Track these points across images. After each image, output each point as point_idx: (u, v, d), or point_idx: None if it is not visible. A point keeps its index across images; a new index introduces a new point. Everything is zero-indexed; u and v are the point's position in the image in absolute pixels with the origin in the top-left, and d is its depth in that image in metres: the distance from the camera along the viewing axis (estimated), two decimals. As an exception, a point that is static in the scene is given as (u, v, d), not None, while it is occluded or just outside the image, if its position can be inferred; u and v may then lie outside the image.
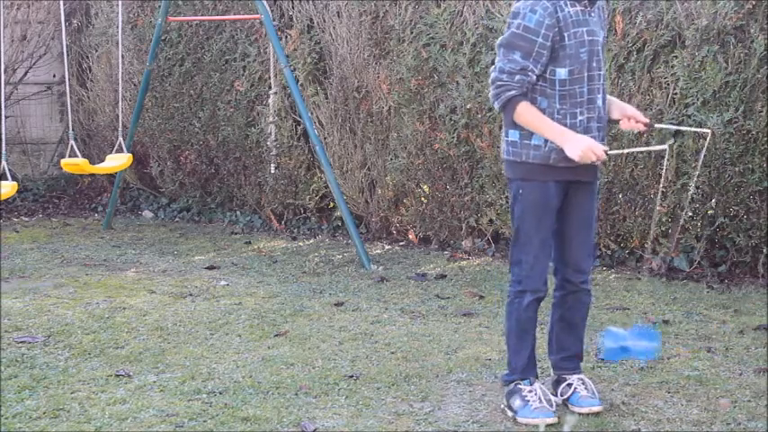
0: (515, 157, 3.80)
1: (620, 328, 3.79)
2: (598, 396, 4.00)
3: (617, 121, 3.93)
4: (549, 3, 3.66)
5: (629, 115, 3.88)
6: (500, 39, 3.73)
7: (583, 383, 3.99)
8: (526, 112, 3.69)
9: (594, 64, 3.76)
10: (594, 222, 4.01)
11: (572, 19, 3.69)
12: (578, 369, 4.06)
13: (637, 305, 5.57)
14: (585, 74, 3.73)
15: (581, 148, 3.64)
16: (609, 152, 3.77)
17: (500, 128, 6.61)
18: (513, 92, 3.67)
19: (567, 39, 3.68)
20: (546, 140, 3.72)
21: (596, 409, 3.93)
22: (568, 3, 3.70)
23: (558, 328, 4.02)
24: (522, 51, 3.65)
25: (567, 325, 4.01)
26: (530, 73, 3.66)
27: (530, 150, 3.76)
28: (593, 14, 3.77)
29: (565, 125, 3.71)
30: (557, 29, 3.66)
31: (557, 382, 4.04)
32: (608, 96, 3.91)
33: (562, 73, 3.70)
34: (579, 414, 3.90)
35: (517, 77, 3.66)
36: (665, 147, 3.93)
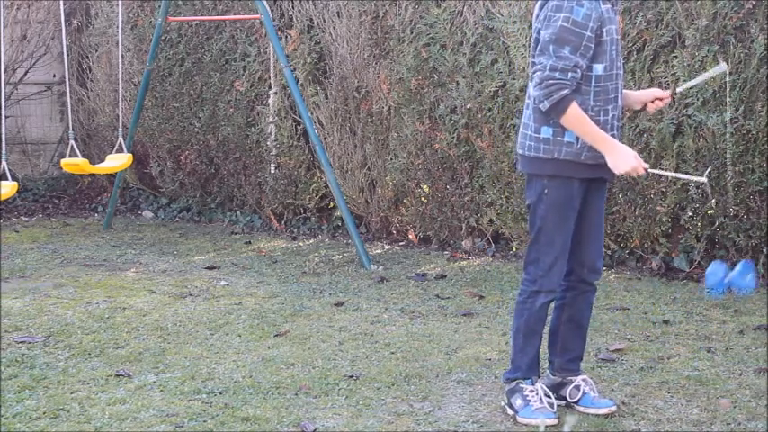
0: (546, 154, 3.74)
1: (723, 264, 3.75)
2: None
3: (641, 110, 3.97)
4: None
5: (653, 99, 3.93)
6: (546, 35, 3.63)
7: (588, 384, 3.99)
8: (577, 114, 3.62)
9: (618, 62, 3.77)
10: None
11: (605, 16, 3.68)
12: (580, 370, 4.05)
13: (637, 305, 5.57)
14: (615, 71, 3.74)
15: (630, 164, 3.62)
16: (649, 170, 3.72)
17: (500, 128, 6.62)
18: (566, 90, 3.60)
19: (604, 35, 3.66)
20: (578, 137, 3.69)
21: (614, 409, 3.93)
22: (602, 1, 3.69)
23: (566, 330, 3.99)
24: (571, 46, 3.59)
25: (576, 326, 3.99)
26: (578, 69, 3.61)
27: (562, 147, 3.72)
28: (616, 12, 3.78)
29: (597, 122, 3.69)
30: (599, 23, 3.64)
31: (560, 385, 4.02)
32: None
33: (599, 69, 3.68)
34: (597, 415, 3.90)
35: (570, 75, 3.60)
36: (705, 179, 3.91)
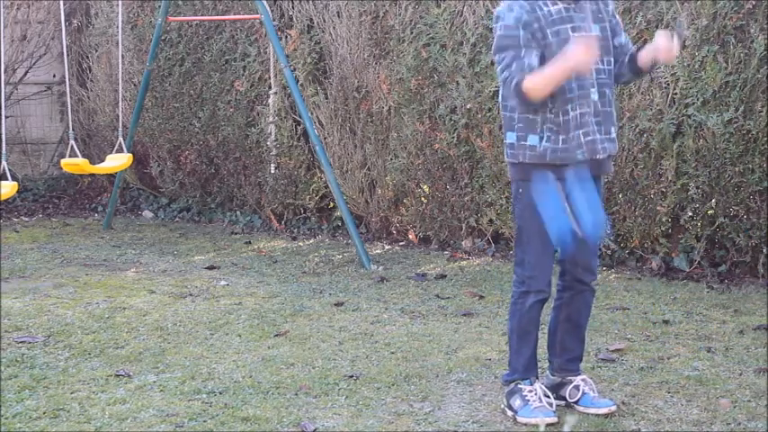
0: (513, 158, 3.82)
1: None
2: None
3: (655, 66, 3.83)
4: (527, 2, 3.69)
5: (658, 51, 3.73)
6: (493, 45, 3.77)
7: (587, 384, 3.99)
8: (532, 81, 3.62)
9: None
10: None
11: (552, 17, 3.70)
12: (580, 370, 4.05)
13: (637, 305, 5.57)
14: None
15: (577, 57, 3.54)
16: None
17: (500, 128, 6.62)
18: (515, 79, 3.65)
19: (549, 36, 3.68)
20: (540, 140, 3.71)
21: (614, 409, 3.93)
22: (548, 2, 3.71)
23: (563, 330, 4.00)
24: (511, 49, 3.67)
25: (573, 326, 4.00)
26: (524, 58, 3.64)
27: (525, 151, 3.77)
28: (578, 10, 3.74)
29: (558, 122, 3.70)
30: (537, 25, 3.66)
31: (559, 385, 4.02)
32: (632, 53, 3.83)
33: None
34: (597, 415, 3.90)
35: (514, 66, 3.66)
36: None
